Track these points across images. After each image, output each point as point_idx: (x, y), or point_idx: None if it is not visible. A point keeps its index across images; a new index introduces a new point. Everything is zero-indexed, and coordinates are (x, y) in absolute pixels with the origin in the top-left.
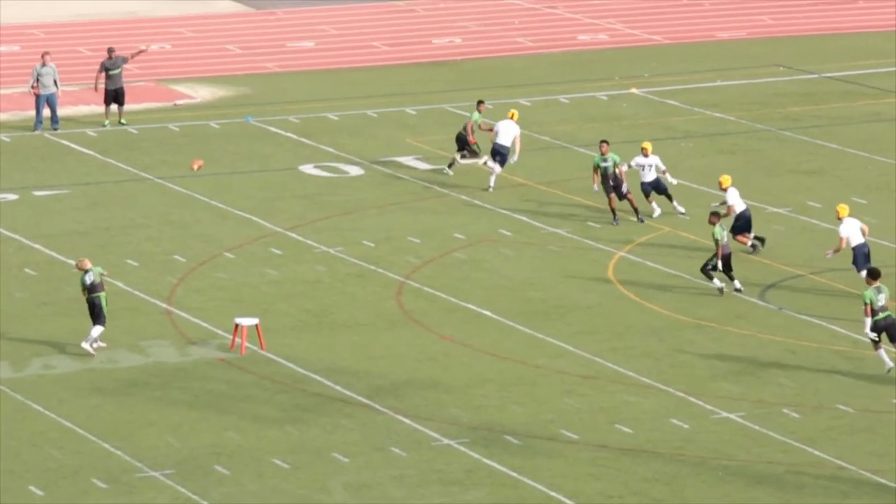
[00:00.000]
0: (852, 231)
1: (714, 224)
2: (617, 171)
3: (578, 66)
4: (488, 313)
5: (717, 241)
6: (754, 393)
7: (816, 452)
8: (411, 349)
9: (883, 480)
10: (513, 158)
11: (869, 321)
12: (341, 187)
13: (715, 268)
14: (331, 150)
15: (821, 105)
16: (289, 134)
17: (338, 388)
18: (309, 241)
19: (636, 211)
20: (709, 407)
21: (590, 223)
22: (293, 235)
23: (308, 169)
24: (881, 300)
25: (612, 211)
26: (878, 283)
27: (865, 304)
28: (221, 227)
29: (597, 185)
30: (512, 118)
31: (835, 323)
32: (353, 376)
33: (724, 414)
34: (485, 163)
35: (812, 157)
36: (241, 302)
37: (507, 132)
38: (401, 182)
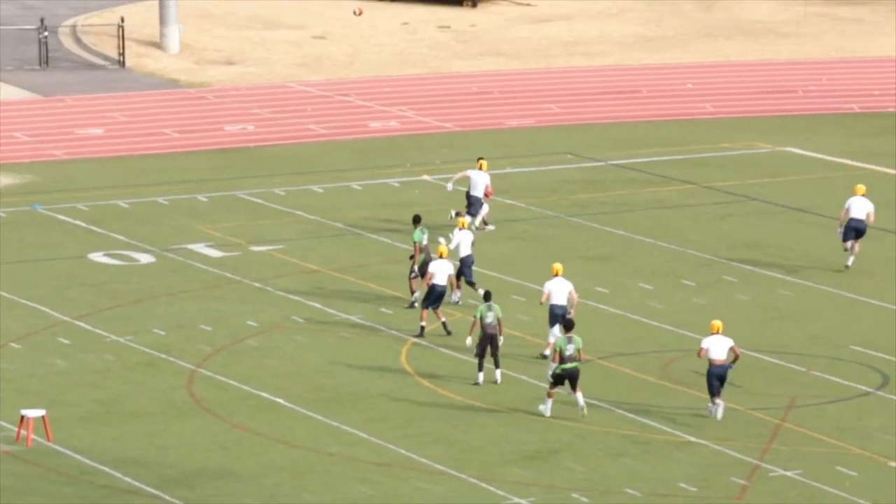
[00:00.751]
0: (554, 289)
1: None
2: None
3: (371, 153)
4: (281, 401)
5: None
6: (545, 478)
7: None
8: (202, 438)
9: None
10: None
11: (554, 365)
12: (132, 275)
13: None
14: (121, 237)
15: (607, 192)
16: (77, 222)
17: (127, 479)
18: (98, 330)
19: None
20: (500, 493)
21: (383, 309)
22: (82, 324)
23: (98, 257)
24: (570, 350)
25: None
26: (570, 335)
27: (555, 351)
28: (8, 316)
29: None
30: (481, 168)
31: (622, 407)
32: (142, 467)
33: (516, 499)
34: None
35: (600, 244)
36: (27, 393)
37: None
38: (192, 269)
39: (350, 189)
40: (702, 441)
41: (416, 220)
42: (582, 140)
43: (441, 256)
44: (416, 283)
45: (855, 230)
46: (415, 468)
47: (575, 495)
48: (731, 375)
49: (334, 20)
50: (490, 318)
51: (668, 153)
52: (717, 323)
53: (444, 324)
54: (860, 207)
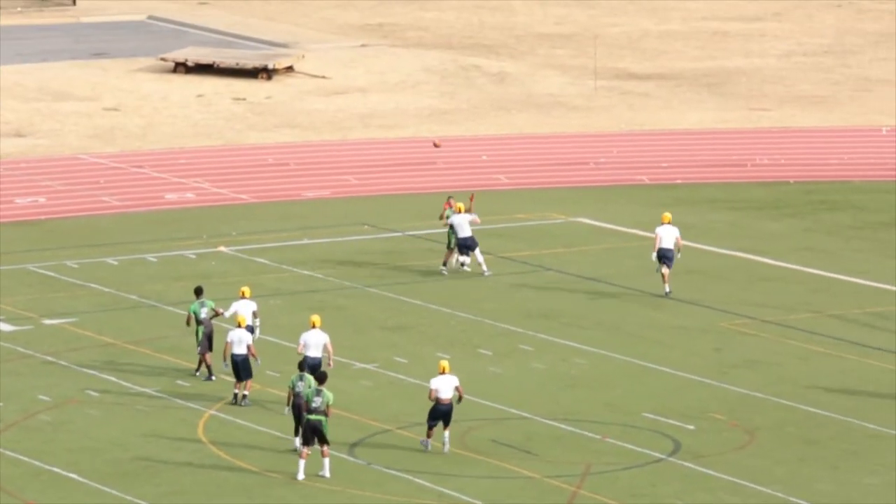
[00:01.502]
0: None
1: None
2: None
3: (166, 225)
4: (74, 476)
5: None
6: None
7: None
8: None
9: None
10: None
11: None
12: None
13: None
14: None
15: (404, 262)
16: None
17: None
18: None
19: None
20: None
21: (179, 381)
22: None
23: None
24: (316, 402)
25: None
26: (321, 387)
27: (303, 399)
28: None
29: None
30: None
31: (421, 477)
32: None
33: None
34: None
35: (397, 314)
36: None
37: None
38: None
39: (145, 261)
40: None
41: (198, 292)
42: (378, 211)
43: (239, 326)
44: (210, 356)
45: (665, 257)
46: None
47: None
48: (527, 444)
49: (126, 92)
50: (300, 387)
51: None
52: (444, 363)
53: (235, 395)
54: (669, 236)
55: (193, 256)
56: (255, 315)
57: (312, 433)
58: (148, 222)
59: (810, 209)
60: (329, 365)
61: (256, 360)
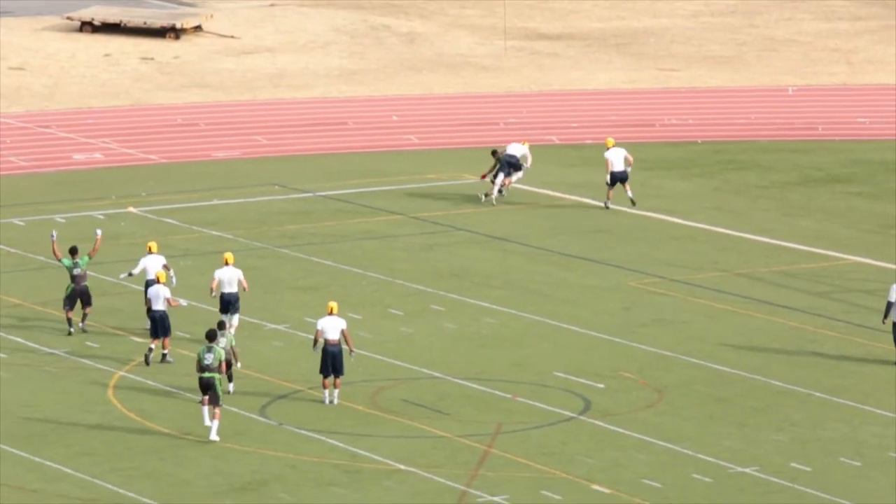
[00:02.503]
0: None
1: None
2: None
3: (74, 186)
4: None
5: None
6: None
7: None
8: None
9: None
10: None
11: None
12: None
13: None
14: None
15: (315, 223)
16: None
17: None
18: None
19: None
20: None
21: (88, 343)
22: None
23: None
24: (208, 359)
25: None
26: (212, 345)
27: (197, 360)
28: None
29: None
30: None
31: (333, 437)
32: None
33: None
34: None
35: (309, 274)
36: None
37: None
38: None
39: (53, 222)
40: (411, 469)
41: (73, 252)
42: (289, 171)
43: (158, 281)
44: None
45: (620, 179)
46: (123, 503)
47: None
48: (439, 404)
49: (31, 51)
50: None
51: (376, 184)
52: (333, 304)
53: (147, 354)
54: (618, 158)
55: (102, 217)
56: (166, 267)
57: (206, 391)
58: (55, 183)
59: (718, 169)
60: (245, 289)
61: (181, 304)
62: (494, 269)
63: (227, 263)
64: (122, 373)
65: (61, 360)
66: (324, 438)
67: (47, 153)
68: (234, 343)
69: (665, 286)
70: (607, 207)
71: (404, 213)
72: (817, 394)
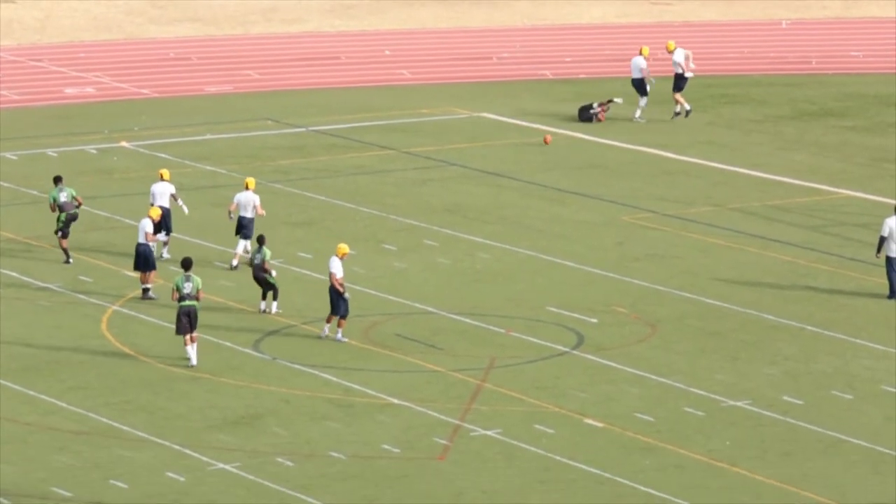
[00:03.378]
0: (242, 199)
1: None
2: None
3: (66, 120)
4: None
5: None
6: (249, 443)
7: (311, 500)
8: None
9: None
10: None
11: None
12: None
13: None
14: None
15: (308, 158)
16: None
17: None
18: None
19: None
20: (205, 459)
21: (82, 277)
22: None
23: None
24: (187, 288)
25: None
26: (189, 273)
27: (173, 289)
28: None
29: None
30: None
31: (326, 371)
32: None
33: (220, 465)
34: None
35: (302, 209)
36: None
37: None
38: None
39: (46, 156)
40: (405, 403)
41: (57, 180)
42: (282, 106)
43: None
44: (65, 242)
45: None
46: (116, 436)
47: (279, 459)
48: (432, 339)
49: None
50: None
51: (368, 119)
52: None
53: (145, 289)
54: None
55: (95, 152)
56: (174, 197)
57: (187, 318)
58: (48, 117)
59: (711, 103)
60: (260, 214)
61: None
62: (488, 204)
63: (247, 188)
64: (115, 307)
65: (55, 295)
66: (317, 373)
67: (39, 87)
68: (268, 257)
69: (658, 221)
70: (678, 115)
71: (397, 148)
72: (810, 327)
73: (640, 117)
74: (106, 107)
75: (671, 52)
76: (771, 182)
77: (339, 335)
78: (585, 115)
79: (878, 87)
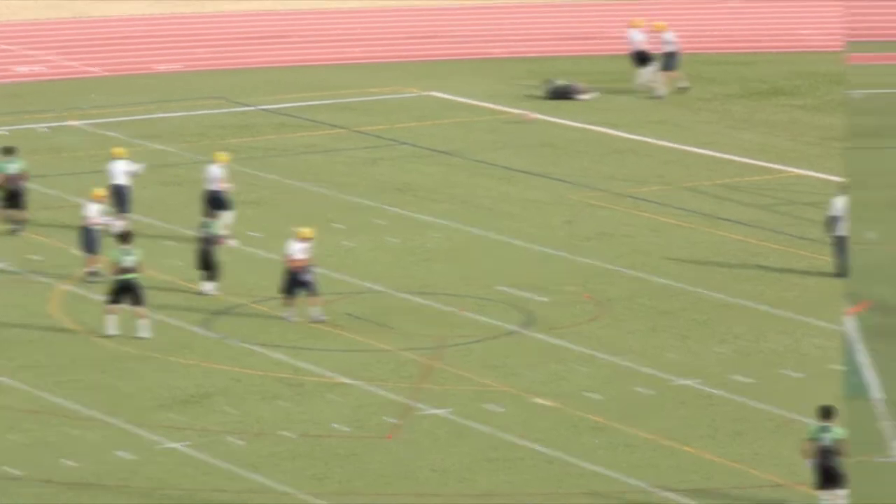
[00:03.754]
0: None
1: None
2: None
3: (16, 98)
4: None
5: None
6: (199, 422)
7: (260, 479)
8: None
9: (324, 503)
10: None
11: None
12: None
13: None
14: None
15: (258, 137)
16: None
17: None
18: None
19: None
20: (154, 437)
21: (31, 256)
22: None
23: None
24: (128, 261)
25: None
26: (127, 246)
27: (112, 264)
28: None
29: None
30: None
31: (277, 351)
32: None
33: (169, 444)
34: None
35: (251, 188)
36: None
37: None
38: None
39: None
40: (355, 382)
41: (7, 151)
42: (231, 85)
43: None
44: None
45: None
46: (66, 415)
47: (229, 438)
48: (382, 318)
49: None
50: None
51: (318, 98)
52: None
53: (91, 272)
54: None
55: (46, 130)
56: (131, 174)
57: (126, 292)
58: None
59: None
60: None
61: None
62: (438, 183)
63: (216, 162)
64: (64, 286)
65: (3, 273)
66: (267, 352)
67: None
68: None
69: (608, 200)
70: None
71: (347, 127)
72: (760, 306)
73: (660, 93)
74: (56, 85)
75: (660, 32)
76: (721, 161)
77: (318, 313)
78: (562, 93)
79: (827, 66)
